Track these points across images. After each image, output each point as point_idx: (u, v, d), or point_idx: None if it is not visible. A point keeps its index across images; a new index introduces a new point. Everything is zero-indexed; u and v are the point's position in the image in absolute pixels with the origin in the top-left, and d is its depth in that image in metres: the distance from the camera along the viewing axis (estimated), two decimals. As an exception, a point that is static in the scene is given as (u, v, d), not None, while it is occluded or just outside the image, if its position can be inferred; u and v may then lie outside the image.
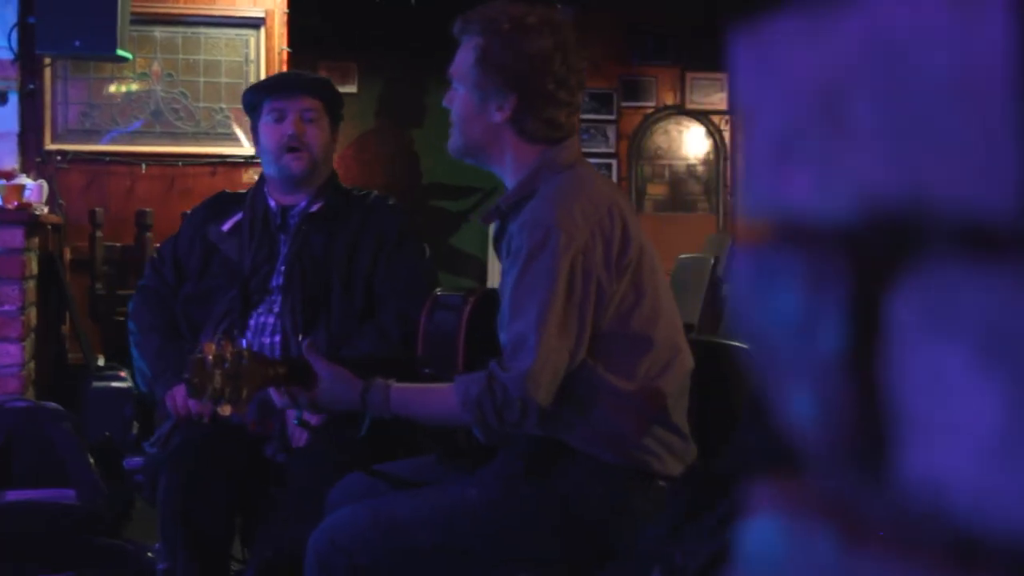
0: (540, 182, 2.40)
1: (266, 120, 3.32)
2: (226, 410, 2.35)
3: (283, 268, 3.25)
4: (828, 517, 0.49)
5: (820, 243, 0.49)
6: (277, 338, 3.18)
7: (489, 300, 2.55)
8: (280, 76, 3.63)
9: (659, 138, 8.83)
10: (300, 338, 3.15)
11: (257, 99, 3.37)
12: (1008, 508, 0.40)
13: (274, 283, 3.25)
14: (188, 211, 3.65)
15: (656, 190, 8.87)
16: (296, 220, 3.32)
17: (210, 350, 2.33)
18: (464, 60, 2.46)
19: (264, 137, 3.34)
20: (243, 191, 3.52)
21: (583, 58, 2.50)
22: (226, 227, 3.36)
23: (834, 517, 0.49)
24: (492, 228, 2.56)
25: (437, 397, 2.39)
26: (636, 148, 8.75)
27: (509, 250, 2.37)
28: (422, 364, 2.60)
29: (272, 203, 3.36)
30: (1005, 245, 0.41)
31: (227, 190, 3.70)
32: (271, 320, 3.21)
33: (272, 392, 2.51)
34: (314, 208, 3.32)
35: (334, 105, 3.41)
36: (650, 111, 8.75)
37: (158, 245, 3.69)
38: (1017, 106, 0.40)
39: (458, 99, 2.49)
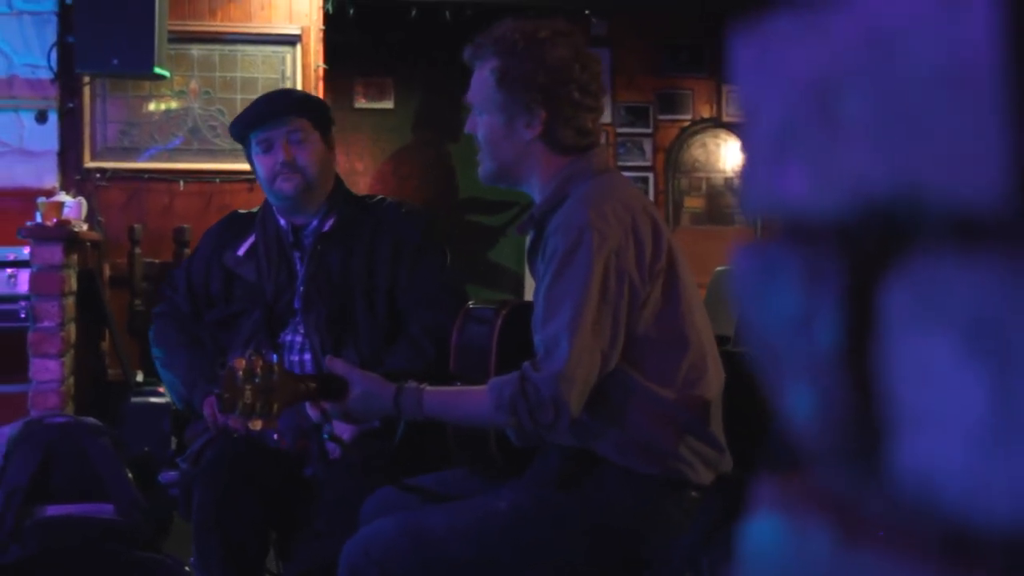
0: (571, 188, 2.40)
1: (256, 151, 3.28)
2: (256, 425, 2.36)
3: (302, 289, 3.24)
4: (825, 513, 0.49)
5: (816, 239, 0.49)
6: (307, 355, 3.18)
7: (521, 312, 2.55)
8: (259, 103, 3.44)
9: (696, 151, 8.81)
10: (329, 357, 3.15)
11: (243, 132, 3.34)
12: (996, 498, 0.40)
13: (297, 304, 3.24)
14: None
15: (693, 203, 8.85)
16: (310, 240, 3.30)
17: (240, 365, 2.34)
18: (483, 84, 2.46)
19: (258, 168, 3.30)
20: (254, 210, 3.49)
21: (598, 61, 2.50)
22: (241, 251, 3.34)
23: (831, 513, 0.49)
24: (528, 239, 2.56)
25: (471, 399, 2.39)
26: (673, 161, 8.73)
27: (544, 255, 2.37)
28: (454, 377, 2.60)
29: (283, 222, 3.34)
30: (991, 236, 0.41)
31: (238, 211, 3.65)
32: (299, 339, 3.21)
33: (307, 406, 2.52)
34: (327, 227, 3.29)
35: (321, 118, 3.35)
36: (686, 124, 8.73)
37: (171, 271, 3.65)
38: (1003, 96, 0.40)
39: (483, 125, 2.48)
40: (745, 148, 0.54)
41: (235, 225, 3.46)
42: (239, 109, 6.10)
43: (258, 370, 2.34)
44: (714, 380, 2.41)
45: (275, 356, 2.42)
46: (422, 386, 2.40)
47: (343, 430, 2.99)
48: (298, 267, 3.27)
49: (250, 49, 6.07)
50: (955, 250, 0.42)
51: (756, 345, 0.54)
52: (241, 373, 2.33)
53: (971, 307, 0.41)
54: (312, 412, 2.51)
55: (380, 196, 3.43)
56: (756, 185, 0.53)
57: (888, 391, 0.45)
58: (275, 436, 3.09)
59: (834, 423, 0.48)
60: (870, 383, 0.46)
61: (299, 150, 3.26)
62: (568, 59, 2.40)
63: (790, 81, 0.50)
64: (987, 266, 0.41)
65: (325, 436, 2.60)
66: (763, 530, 0.54)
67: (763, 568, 0.53)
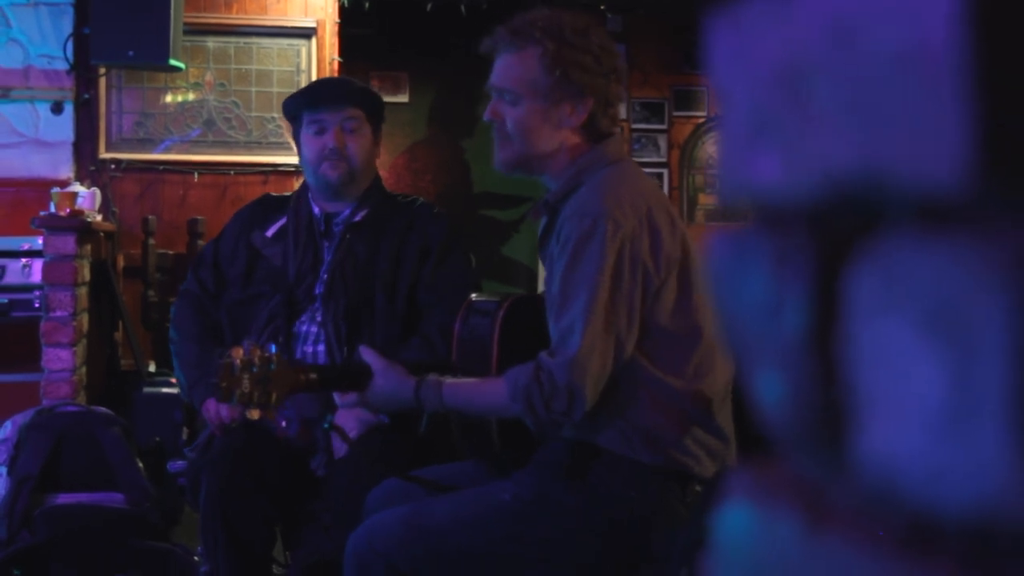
0: (587, 175, 2.41)
1: (307, 132, 3.32)
2: (254, 414, 2.37)
3: (325, 276, 3.26)
4: (793, 499, 0.49)
5: (786, 224, 0.49)
6: (321, 347, 3.19)
7: (523, 305, 2.55)
8: (319, 86, 3.60)
9: (711, 148, 8.79)
10: (344, 350, 3.16)
11: (297, 109, 3.37)
12: (955, 484, 0.40)
13: (318, 291, 3.25)
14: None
15: (708, 200, 8.83)
16: (340, 228, 3.32)
17: (238, 355, 2.35)
18: (526, 70, 2.44)
19: (306, 149, 3.34)
20: (287, 194, 3.53)
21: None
22: (270, 233, 3.37)
23: (799, 499, 0.49)
24: (540, 225, 2.56)
25: (488, 389, 2.40)
26: (687, 158, 8.71)
27: (559, 240, 2.37)
28: (456, 369, 2.60)
29: (316, 209, 3.36)
30: (953, 220, 0.41)
31: (271, 193, 3.69)
32: (314, 329, 3.22)
33: (336, 396, 2.55)
34: (358, 217, 3.31)
35: (376, 112, 3.39)
36: (701, 121, 8.72)
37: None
38: (964, 80, 0.40)
39: (518, 111, 2.45)
40: (722, 133, 0.54)
41: (267, 206, 3.50)
42: (254, 102, 6.16)
43: (256, 360, 2.35)
44: (723, 373, 2.41)
45: (274, 347, 2.43)
46: (441, 378, 2.41)
47: (349, 426, 3.00)
48: (325, 255, 3.30)
49: (265, 42, 6.08)
50: (917, 235, 0.42)
51: (728, 331, 0.54)
52: (239, 363, 2.34)
53: (932, 292, 0.41)
54: (340, 399, 2.53)
55: (413, 196, 3.45)
56: (730, 169, 0.53)
57: (852, 376, 0.45)
58: (283, 423, 3.09)
59: (801, 409, 0.48)
60: (835, 368, 0.46)
61: (351, 139, 3.30)
62: (609, 48, 2.42)
63: (761, 67, 0.50)
64: (948, 251, 0.41)
65: (325, 426, 2.61)
66: (735, 518, 0.54)
67: (734, 556, 0.53)
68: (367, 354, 2.53)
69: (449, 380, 2.43)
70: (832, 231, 0.46)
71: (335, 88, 3.46)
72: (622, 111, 8.37)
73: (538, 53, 2.42)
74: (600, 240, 2.26)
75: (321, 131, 3.29)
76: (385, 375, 2.46)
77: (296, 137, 3.41)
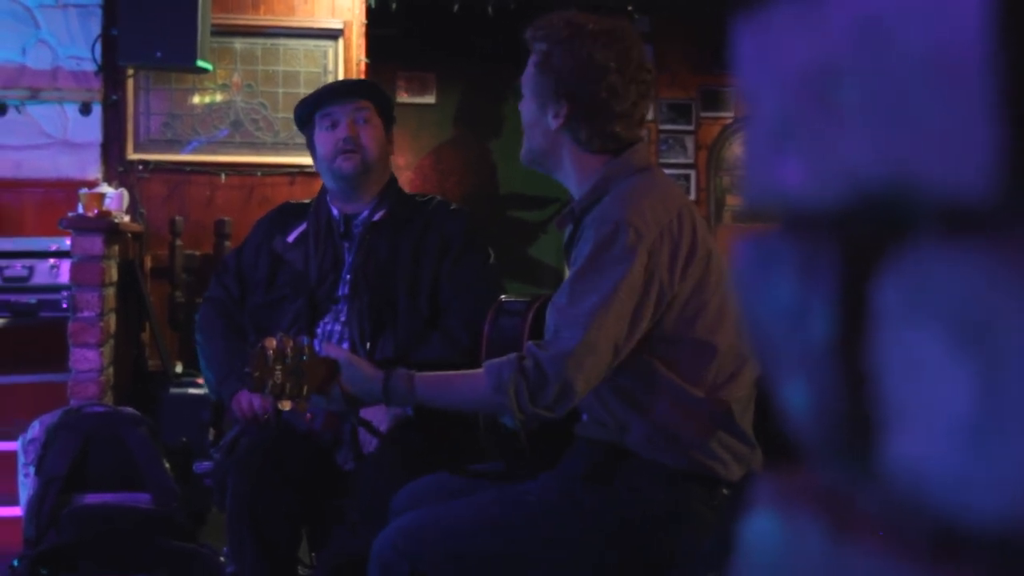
0: (612, 184, 2.40)
1: (320, 129, 3.35)
2: (286, 405, 2.37)
3: (348, 277, 3.27)
4: (819, 508, 0.49)
5: (812, 229, 0.48)
6: (345, 345, 3.20)
7: (553, 306, 2.55)
8: (327, 86, 3.64)
9: (739, 149, 8.76)
10: (367, 346, 3.17)
11: (308, 112, 3.40)
12: (982, 494, 0.40)
13: (340, 292, 3.27)
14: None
15: (736, 201, 8.80)
16: (360, 229, 3.33)
17: (271, 345, 2.35)
18: (529, 67, 2.49)
19: (320, 146, 3.36)
20: (307, 201, 3.55)
21: (647, 70, 2.47)
22: (291, 238, 3.40)
23: (824, 507, 0.49)
24: (565, 233, 2.55)
25: (466, 382, 2.39)
26: (715, 159, 8.69)
27: (578, 246, 2.37)
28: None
29: (335, 212, 3.38)
30: (981, 227, 0.40)
31: (291, 201, 3.72)
32: (337, 328, 3.23)
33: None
34: (377, 217, 3.33)
35: (385, 106, 3.43)
36: (729, 121, 8.69)
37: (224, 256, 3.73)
38: (993, 84, 0.39)
39: (523, 106, 2.52)
40: (747, 137, 0.53)
41: (288, 212, 3.54)
42: (281, 103, 6.17)
43: (288, 351, 2.35)
44: (746, 378, 2.39)
45: (306, 339, 2.43)
46: (412, 371, 2.41)
47: (378, 419, 3.00)
48: (346, 256, 3.32)
49: (292, 43, 6.09)
50: (945, 241, 0.41)
51: (754, 337, 0.53)
52: (272, 353, 2.34)
53: (960, 300, 0.40)
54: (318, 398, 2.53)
55: (431, 195, 3.47)
56: (756, 174, 0.52)
57: (879, 385, 0.44)
58: (308, 416, 3.10)
59: (827, 417, 0.47)
60: (862, 377, 0.45)
61: (363, 129, 3.34)
62: (604, 59, 2.38)
63: (787, 70, 0.49)
64: (976, 258, 0.40)
65: (352, 420, 2.61)
66: (760, 524, 0.53)
67: (759, 562, 0.53)
68: (331, 347, 2.51)
69: (421, 373, 2.43)
70: (859, 237, 0.46)
71: (343, 83, 3.56)
72: (648, 113, 8.37)
73: (537, 51, 2.46)
74: (621, 247, 2.26)
75: (334, 124, 3.33)
76: (350, 368, 2.46)
77: (310, 142, 3.43)
